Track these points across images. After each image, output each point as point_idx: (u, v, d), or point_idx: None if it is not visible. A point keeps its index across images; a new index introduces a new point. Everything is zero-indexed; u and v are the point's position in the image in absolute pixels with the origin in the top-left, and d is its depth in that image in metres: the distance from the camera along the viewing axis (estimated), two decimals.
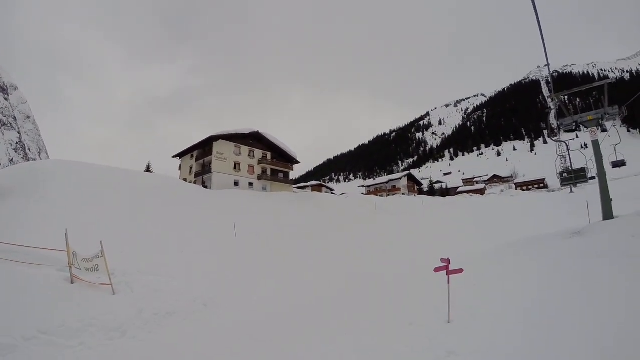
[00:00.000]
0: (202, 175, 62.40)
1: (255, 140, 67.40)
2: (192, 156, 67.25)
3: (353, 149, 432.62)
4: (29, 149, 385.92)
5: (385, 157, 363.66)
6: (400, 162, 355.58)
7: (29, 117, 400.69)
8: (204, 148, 63.70)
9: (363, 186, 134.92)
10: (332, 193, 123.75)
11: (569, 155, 24.61)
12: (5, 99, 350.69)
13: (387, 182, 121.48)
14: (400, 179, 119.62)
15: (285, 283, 18.40)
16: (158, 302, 13.96)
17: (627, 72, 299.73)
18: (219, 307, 14.71)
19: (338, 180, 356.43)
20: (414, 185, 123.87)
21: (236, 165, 63.31)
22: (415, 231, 34.84)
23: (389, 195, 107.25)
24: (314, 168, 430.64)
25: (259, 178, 66.19)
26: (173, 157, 70.83)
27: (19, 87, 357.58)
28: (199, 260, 22.26)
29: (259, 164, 67.19)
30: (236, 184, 62.12)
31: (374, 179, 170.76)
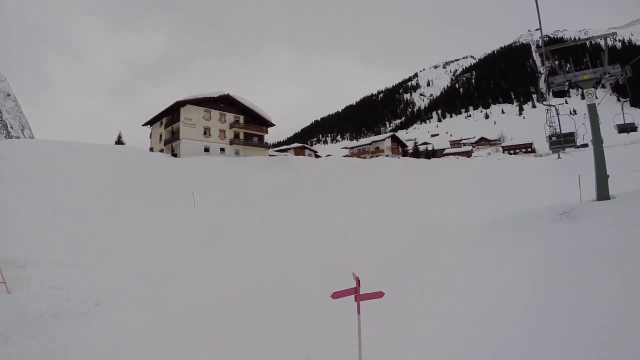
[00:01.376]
0: (171, 142, 60.23)
1: (226, 103, 64.74)
2: (161, 123, 64.82)
3: (340, 110, 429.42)
4: (11, 127, 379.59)
5: (372, 118, 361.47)
6: (387, 123, 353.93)
7: (9, 95, 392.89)
8: (172, 114, 61.21)
9: (346, 147, 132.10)
10: (315, 155, 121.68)
11: (559, 119, 23.89)
12: None
13: (370, 144, 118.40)
14: (383, 140, 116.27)
15: (219, 268, 16.02)
16: (47, 302, 11.84)
17: (619, 41, 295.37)
18: (117, 306, 12.39)
19: (325, 142, 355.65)
20: (398, 147, 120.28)
21: (206, 131, 60.85)
22: (391, 196, 32.78)
23: (372, 157, 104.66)
24: (301, 130, 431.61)
25: (231, 143, 63.80)
26: (143, 125, 68.70)
27: None
28: (137, 240, 20.04)
29: (230, 128, 64.61)
30: (207, 150, 59.84)
31: (358, 140, 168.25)
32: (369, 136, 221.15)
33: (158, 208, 27.73)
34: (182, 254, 18.32)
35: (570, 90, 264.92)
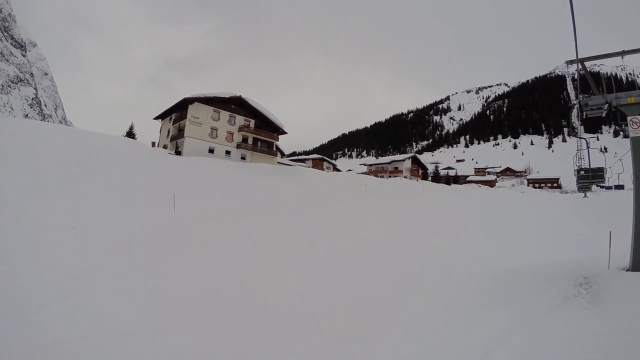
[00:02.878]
0: (177, 139, 58.36)
1: (237, 105, 62.62)
2: (170, 119, 63.03)
3: (369, 126, 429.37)
4: (45, 105, 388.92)
5: (399, 137, 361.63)
6: (414, 144, 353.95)
7: (46, 74, 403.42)
8: (181, 111, 59.35)
9: (364, 164, 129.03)
10: (334, 168, 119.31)
11: (588, 153, 21.35)
12: (23, 56, 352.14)
13: (389, 163, 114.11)
14: (403, 160, 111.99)
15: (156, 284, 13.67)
16: None
17: None
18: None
19: (350, 156, 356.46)
20: (418, 169, 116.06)
21: (213, 131, 58.76)
22: (391, 223, 29.36)
23: (390, 176, 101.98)
24: (328, 142, 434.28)
25: (238, 146, 61.59)
26: (154, 118, 67.06)
27: (38, 43, 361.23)
28: (78, 239, 17.88)
29: (239, 131, 62.35)
30: (211, 151, 57.82)
31: (377, 158, 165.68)
32: (395, 155, 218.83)
33: (130, 208, 25.57)
34: (124, 262, 15.82)
35: (603, 127, 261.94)
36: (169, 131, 62.91)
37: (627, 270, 12.35)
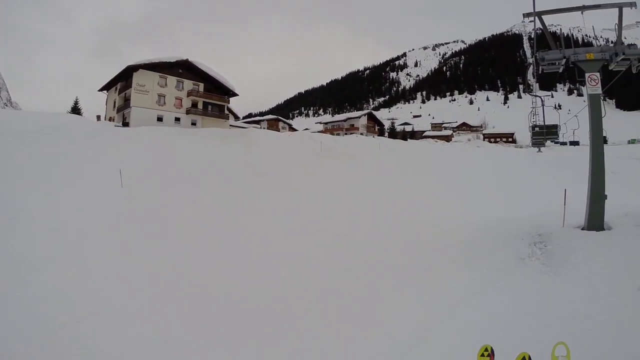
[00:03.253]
0: (124, 110, 56.15)
1: (185, 69, 60.30)
2: (116, 89, 60.36)
3: (325, 84, 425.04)
4: None
5: (356, 94, 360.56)
6: (371, 101, 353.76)
7: None
8: (126, 80, 56.80)
9: (320, 123, 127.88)
10: (291, 128, 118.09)
11: (543, 110, 22.38)
12: None
13: (345, 120, 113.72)
14: (359, 117, 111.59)
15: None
16: None
17: (612, 42, 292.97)
18: None
19: (307, 115, 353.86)
20: (375, 126, 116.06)
21: (160, 98, 56.72)
22: (347, 180, 29.65)
23: (346, 134, 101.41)
24: (284, 101, 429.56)
25: (188, 112, 59.82)
26: (99, 90, 64.04)
27: None
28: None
29: (188, 96, 60.36)
30: (160, 119, 55.85)
31: (333, 116, 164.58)
32: (352, 112, 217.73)
33: (73, 188, 23.94)
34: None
35: (557, 85, 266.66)
36: (115, 102, 60.20)
37: (582, 228, 12.75)
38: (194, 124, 60.38)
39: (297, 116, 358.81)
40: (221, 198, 23.21)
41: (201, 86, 62.57)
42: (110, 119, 59.36)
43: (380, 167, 36.69)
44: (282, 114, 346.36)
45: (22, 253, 13.97)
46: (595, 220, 12.35)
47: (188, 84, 60.76)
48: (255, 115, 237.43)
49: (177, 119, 58.34)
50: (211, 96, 63.46)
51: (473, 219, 16.92)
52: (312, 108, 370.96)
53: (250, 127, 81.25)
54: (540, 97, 22.17)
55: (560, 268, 9.82)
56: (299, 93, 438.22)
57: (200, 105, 62.01)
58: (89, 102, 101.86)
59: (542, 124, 21.76)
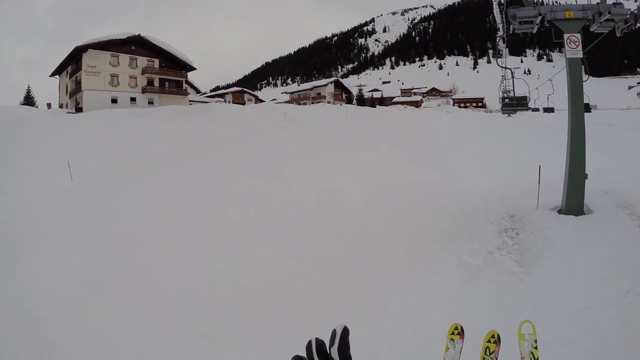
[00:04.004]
0: (76, 94, 53.68)
1: (138, 46, 57.68)
2: (67, 73, 57.72)
3: (293, 53, 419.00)
4: None
5: (325, 62, 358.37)
6: (340, 68, 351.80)
7: None
8: (76, 62, 53.98)
9: (286, 92, 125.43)
10: (257, 100, 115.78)
11: (513, 82, 21.75)
12: None
13: (311, 89, 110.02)
14: (325, 85, 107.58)
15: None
16: None
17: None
18: None
19: (275, 85, 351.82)
20: (342, 93, 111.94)
21: (113, 79, 54.28)
22: (310, 153, 27.66)
23: (313, 103, 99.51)
24: (252, 72, 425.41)
25: (144, 91, 57.44)
26: (50, 75, 61.03)
27: None
28: None
29: (143, 74, 57.87)
30: (114, 101, 53.65)
31: (298, 85, 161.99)
32: (319, 79, 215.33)
33: (19, 185, 22.60)
34: None
35: (527, 50, 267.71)
36: (67, 87, 57.85)
37: (559, 211, 11.25)
38: (151, 102, 58.06)
39: (265, 87, 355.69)
40: (175, 183, 21.66)
41: (156, 62, 60.00)
42: (61, 106, 57.32)
43: (348, 137, 35.15)
44: (250, 85, 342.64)
45: None
46: (574, 204, 10.95)
47: (142, 61, 58.22)
48: (223, 88, 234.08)
49: (133, 99, 56.09)
50: (167, 72, 61.06)
51: (445, 191, 15.87)
52: (280, 78, 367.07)
53: (213, 101, 79.04)
54: (510, 69, 21.23)
55: (534, 267, 8.47)
56: (266, 63, 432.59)
57: (156, 83, 59.59)
58: (45, 89, 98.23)
59: (512, 95, 20.81)
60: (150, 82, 58.71)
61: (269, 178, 21.02)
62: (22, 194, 20.91)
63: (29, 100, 63.36)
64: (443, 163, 22.96)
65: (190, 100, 69.96)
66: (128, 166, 27.06)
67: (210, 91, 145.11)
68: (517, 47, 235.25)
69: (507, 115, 49.59)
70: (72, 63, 55.13)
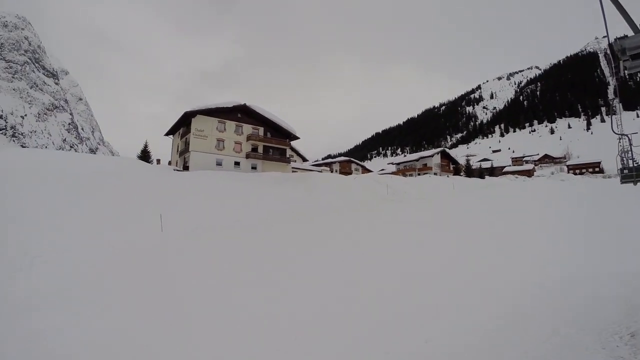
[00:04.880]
0: (184, 154, 56.63)
1: (244, 114, 60.51)
2: (178, 134, 61.80)
3: (402, 123, 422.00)
4: (82, 129, 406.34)
5: (433, 132, 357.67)
6: (449, 137, 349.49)
7: (80, 99, 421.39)
8: (186, 125, 57.62)
9: (392, 163, 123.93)
10: (364, 170, 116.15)
11: (631, 150, 18.91)
12: (56, 84, 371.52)
13: (417, 160, 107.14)
14: (432, 156, 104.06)
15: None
16: None
17: None
18: None
19: (385, 155, 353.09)
20: (449, 164, 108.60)
21: (219, 143, 56.84)
22: (414, 230, 24.55)
23: (419, 174, 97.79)
24: (362, 142, 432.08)
25: (248, 156, 59.45)
26: (165, 135, 65.48)
27: (70, 71, 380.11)
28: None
29: (247, 140, 60.20)
30: (219, 163, 55.94)
31: (405, 156, 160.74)
32: (429, 149, 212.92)
33: (115, 231, 23.65)
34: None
35: None
36: (178, 147, 61.53)
37: None
38: (254, 168, 59.95)
39: (375, 156, 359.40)
40: (262, 244, 21.43)
41: (261, 130, 62.52)
42: (169, 163, 61.41)
43: (452, 212, 32.69)
44: (361, 155, 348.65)
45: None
46: None
47: (247, 128, 60.75)
48: (335, 156, 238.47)
49: (237, 163, 58.13)
50: (271, 140, 63.10)
51: (534, 280, 12.71)
52: (390, 148, 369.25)
53: (318, 170, 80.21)
54: (627, 135, 19.48)
55: None
56: (376, 133, 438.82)
57: (260, 150, 61.72)
58: (164, 145, 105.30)
59: (633, 166, 18.83)
60: (254, 149, 60.91)
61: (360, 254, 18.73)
62: (116, 241, 21.65)
63: (145, 154, 67.52)
64: (541, 238, 20.39)
65: (293, 168, 71.60)
66: (216, 227, 27.16)
67: (322, 159, 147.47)
68: (633, 98, 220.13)
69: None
70: (183, 125, 58.69)
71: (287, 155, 67.04)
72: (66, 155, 44.76)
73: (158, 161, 62.58)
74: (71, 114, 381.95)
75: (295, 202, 38.82)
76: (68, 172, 34.53)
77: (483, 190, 54.94)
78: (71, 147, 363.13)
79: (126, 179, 37.19)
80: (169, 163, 61.92)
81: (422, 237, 22.15)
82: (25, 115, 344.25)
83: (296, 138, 67.68)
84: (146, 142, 71.14)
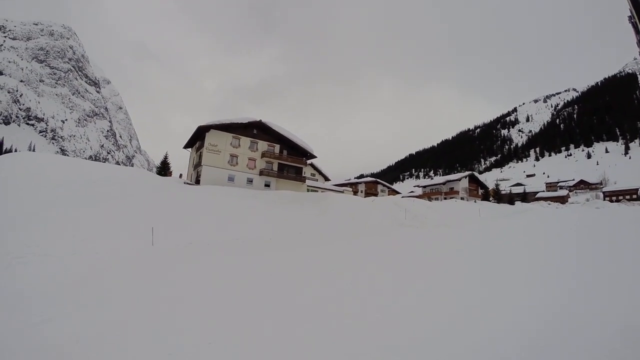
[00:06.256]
0: (198, 168, 56.44)
1: (260, 130, 60.16)
2: (195, 147, 61.93)
3: (436, 145, 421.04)
4: (120, 136, 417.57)
5: (467, 154, 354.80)
6: (482, 160, 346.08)
7: (120, 108, 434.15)
8: (201, 139, 57.45)
9: (418, 186, 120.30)
10: (391, 192, 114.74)
11: None
12: (97, 92, 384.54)
13: (444, 184, 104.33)
14: (459, 180, 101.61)
15: None
16: None
17: None
18: None
19: (417, 177, 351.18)
20: (477, 189, 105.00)
21: (233, 158, 56.54)
22: (425, 262, 20.90)
23: (445, 198, 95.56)
24: (395, 162, 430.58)
25: (261, 173, 58.92)
26: (184, 147, 65.53)
27: (112, 81, 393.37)
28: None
29: (262, 157, 59.83)
30: (231, 179, 55.63)
31: (432, 179, 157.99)
32: (452, 174, 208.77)
33: (105, 240, 23.41)
34: None
35: None
36: (193, 160, 61.72)
37: None
38: (267, 185, 59.50)
39: (407, 178, 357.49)
40: (254, 271, 18.38)
41: (277, 147, 62.12)
42: (180, 176, 62.60)
43: (476, 241, 28.88)
44: (393, 176, 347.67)
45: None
46: None
47: (263, 145, 60.37)
48: (367, 176, 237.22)
49: (250, 180, 57.73)
50: (287, 158, 62.61)
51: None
52: (422, 170, 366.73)
53: (335, 190, 78.84)
54: None
55: None
56: (410, 155, 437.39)
57: (275, 167, 61.26)
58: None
59: None
60: (268, 166, 60.55)
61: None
62: (101, 250, 21.53)
63: (164, 166, 68.22)
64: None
65: (311, 187, 70.92)
66: (212, 243, 26.33)
67: (355, 178, 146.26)
68: None
69: None
70: (199, 139, 58.60)
71: (303, 174, 66.30)
72: (74, 163, 44.92)
73: (180, 175, 63.32)
74: (110, 121, 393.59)
75: (304, 224, 37.46)
76: (71, 180, 34.92)
77: (512, 217, 53.40)
78: (108, 153, 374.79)
79: (130, 190, 37.16)
80: (180, 176, 62.25)
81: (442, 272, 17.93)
82: (66, 119, 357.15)
83: (313, 157, 67.08)
84: (166, 154, 71.75)
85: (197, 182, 54.07)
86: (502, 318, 9.97)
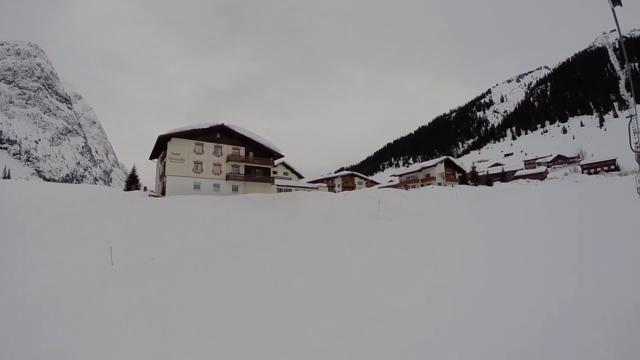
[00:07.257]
0: (163, 178, 55.53)
1: (223, 134, 59.35)
2: (160, 158, 60.89)
3: (413, 132, 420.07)
4: (96, 152, 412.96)
5: (445, 139, 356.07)
6: (460, 144, 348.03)
7: (94, 122, 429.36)
8: (164, 149, 56.49)
9: (395, 175, 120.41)
10: (368, 183, 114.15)
11: None
12: (69, 108, 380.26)
13: (420, 171, 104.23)
14: (434, 166, 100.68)
15: None
16: None
17: None
18: None
19: (397, 165, 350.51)
20: (454, 173, 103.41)
21: (197, 166, 55.68)
22: (399, 254, 18.99)
23: (422, 185, 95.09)
24: (374, 153, 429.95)
25: (228, 178, 58.02)
26: (149, 159, 64.32)
27: (83, 95, 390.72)
28: None
29: (227, 161, 58.97)
30: (197, 187, 54.70)
31: (407, 167, 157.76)
32: (427, 161, 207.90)
33: (59, 263, 22.41)
34: None
35: None
36: (158, 171, 60.81)
37: None
38: (235, 189, 58.62)
39: (387, 167, 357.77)
40: (221, 282, 16.43)
41: (242, 150, 61.28)
42: (145, 189, 61.21)
43: (449, 228, 27.65)
44: (373, 166, 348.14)
45: None
46: None
47: (227, 149, 59.59)
48: (347, 169, 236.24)
49: (217, 186, 56.85)
50: (253, 160, 61.85)
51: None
52: (401, 158, 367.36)
53: (308, 188, 78.15)
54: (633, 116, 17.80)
55: None
56: (388, 144, 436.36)
57: (242, 170, 60.37)
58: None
59: None
60: (235, 170, 59.66)
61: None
62: (57, 274, 20.45)
63: (132, 178, 66.98)
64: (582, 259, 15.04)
65: (283, 187, 70.16)
66: (175, 257, 25.15)
67: (335, 172, 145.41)
68: None
69: None
70: (162, 149, 57.65)
71: (272, 175, 65.61)
72: (31, 185, 43.94)
73: (144, 188, 62.24)
74: (85, 137, 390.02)
75: (274, 226, 36.70)
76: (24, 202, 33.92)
77: (490, 198, 53.27)
78: (85, 169, 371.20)
79: (89, 208, 36.20)
80: (145, 189, 61.25)
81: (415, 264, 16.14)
82: (39, 140, 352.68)
83: (280, 156, 66.29)
84: (134, 167, 70.39)
85: (163, 193, 53.16)
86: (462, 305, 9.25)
